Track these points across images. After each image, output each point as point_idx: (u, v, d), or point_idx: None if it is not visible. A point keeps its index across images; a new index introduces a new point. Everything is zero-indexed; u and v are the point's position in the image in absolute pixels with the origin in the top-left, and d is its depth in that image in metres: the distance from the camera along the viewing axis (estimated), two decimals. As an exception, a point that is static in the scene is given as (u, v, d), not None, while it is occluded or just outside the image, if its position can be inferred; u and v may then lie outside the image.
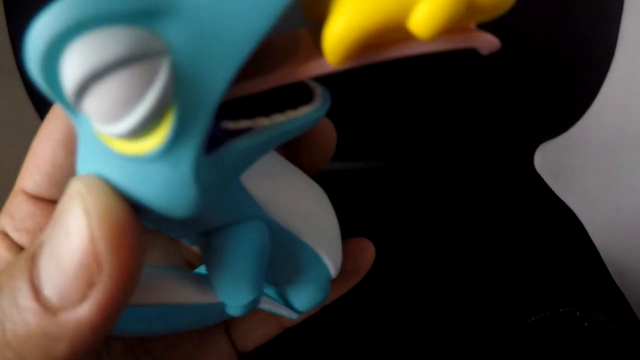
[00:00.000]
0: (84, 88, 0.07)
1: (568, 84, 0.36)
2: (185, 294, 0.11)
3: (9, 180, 0.13)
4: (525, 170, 0.42)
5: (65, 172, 0.12)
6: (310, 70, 0.09)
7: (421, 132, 0.40)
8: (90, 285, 0.07)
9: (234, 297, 0.11)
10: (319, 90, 0.11)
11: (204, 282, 0.12)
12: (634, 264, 0.31)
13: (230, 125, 0.09)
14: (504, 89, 0.37)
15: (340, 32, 0.08)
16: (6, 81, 0.32)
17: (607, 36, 0.33)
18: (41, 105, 0.34)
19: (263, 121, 0.09)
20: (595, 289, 0.32)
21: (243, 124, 0.09)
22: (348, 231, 0.15)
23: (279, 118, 0.10)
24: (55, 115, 0.12)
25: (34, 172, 0.12)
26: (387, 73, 0.36)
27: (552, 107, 0.38)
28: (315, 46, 0.09)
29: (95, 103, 0.07)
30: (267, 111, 0.10)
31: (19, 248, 0.12)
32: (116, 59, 0.07)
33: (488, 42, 0.08)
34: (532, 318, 0.26)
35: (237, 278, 0.11)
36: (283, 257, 0.12)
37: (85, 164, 0.08)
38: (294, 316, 0.14)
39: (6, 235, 0.12)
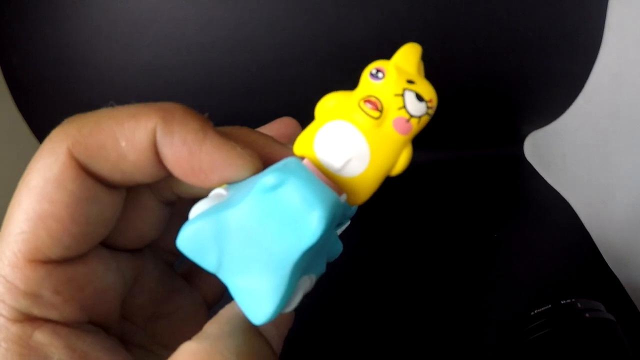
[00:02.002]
0: None
1: (556, 72, 0.36)
2: None
3: None
4: (515, 158, 0.42)
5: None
6: None
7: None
8: None
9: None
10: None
11: None
12: (628, 250, 0.32)
13: None
14: (493, 77, 0.37)
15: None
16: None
17: (594, 23, 0.33)
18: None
19: None
20: (590, 277, 0.33)
21: None
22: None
23: None
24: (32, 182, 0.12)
25: (42, 236, 0.12)
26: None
27: (541, 95, 0.38)
28: None
29: None
30: None
31: (21, 315, 0.12)
32: None
33: None
34: (535, 311, 0.26)
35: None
36: None
37: None
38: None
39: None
